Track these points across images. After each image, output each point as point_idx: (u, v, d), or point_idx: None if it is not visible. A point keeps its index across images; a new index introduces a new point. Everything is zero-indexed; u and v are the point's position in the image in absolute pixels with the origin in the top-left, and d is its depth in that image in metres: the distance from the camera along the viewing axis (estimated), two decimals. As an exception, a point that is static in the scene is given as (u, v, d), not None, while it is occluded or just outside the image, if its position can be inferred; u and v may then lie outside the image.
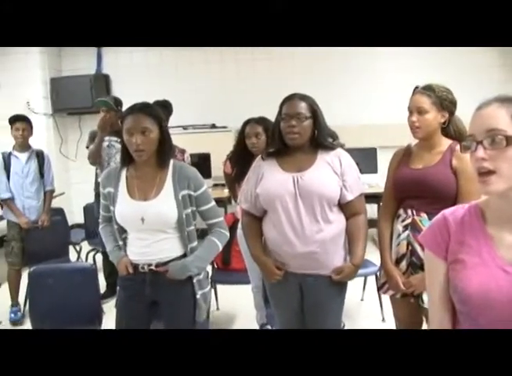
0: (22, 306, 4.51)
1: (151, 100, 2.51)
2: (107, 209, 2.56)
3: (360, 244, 2.51)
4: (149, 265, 2.42)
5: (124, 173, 2.47)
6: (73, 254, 5.18)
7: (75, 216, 6.53)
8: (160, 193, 2.39)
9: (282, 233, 2.46)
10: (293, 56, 6.56)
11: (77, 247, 5.40)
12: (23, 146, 4.52)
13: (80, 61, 7.11)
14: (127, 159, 2.44)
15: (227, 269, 3.99)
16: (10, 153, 4.49)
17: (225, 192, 5.07)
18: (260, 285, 3.54)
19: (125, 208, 2.41)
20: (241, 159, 3.50)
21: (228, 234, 2.59)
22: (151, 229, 2.38)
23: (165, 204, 2.37)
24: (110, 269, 4.43)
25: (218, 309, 4.32)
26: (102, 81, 7.04)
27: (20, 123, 4.45)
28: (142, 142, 2.30)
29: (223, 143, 4.97)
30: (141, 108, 2.37)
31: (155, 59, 6.93)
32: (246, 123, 3.50)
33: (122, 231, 2.49)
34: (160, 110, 2.47)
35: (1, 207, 4.65)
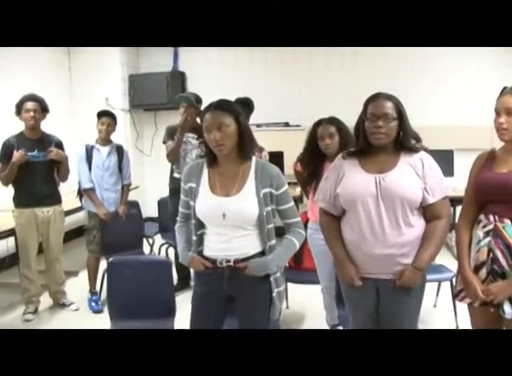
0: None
1: (226, 98, 2.53)
2: (187, 206, 2.59)
3: (429, 248, 2.44)
4: (228, 260, 2.44)
5: (206, 169, 2.51)
6: (145, 247, 5.31)
7: (148, 209, 6.70)
8: (242, 190, 2.42)
9: (361, 234, 2.43)
10: (367, 55, 6.46)
11: (150, 240, 5.55)
12: (105, 140, 4.71)
13: (157, 59, 7.29)
14: (210, 157, 2.48)
15: (299, 268, 4.00)
16: (93, 146, 4.68)
17: (297, 191, 5.06)
18: (330, 286, 3.52)
19: (207, 204, 2.44)
20: (313, 160, 3.48)
21: (304, 234, 2.60)
22: (231, 225, 2.41)
23: (247, 200, 2.39)
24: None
25: (287, 307, 4.33)
26: (178, 79, 7.19)
27: (106, 118, 4.65)
28: (220, 137, 2.34)
29: (296, 142, 4.95)
30: (217, 105, 2.41)
31: (230, 57, 7.00)
32: (318, 124, 3.46)
33: (200, 226, 2.52)
34: (237, 106, 2.50)
35: (81, 199, 4.83)
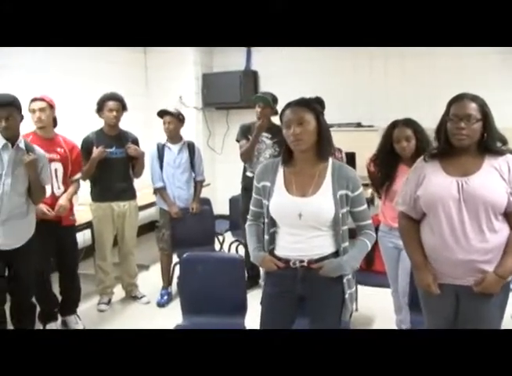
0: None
1: (298, 97, 2.52)
2: (259, 204, 2.60)
3: None
4: (301, 261, 2.43)
5: (281, 168, 2.51)
6: (215, 244, 5.36)
7: (218, 207, 6.76)
8: (318, 191, 2.40)
9: (442, 238, 2.37)
10: (445, 55, 6.23)
11: (220, 238, 5.60)
12: (173, 137, 4.75)
13: (230, 58, 7.33)
14: (286, 155, 2.48)
15: (370, 271, 3.95)
16: (164, 145, 4.75)
17: (369, 192, 4.99)
18: (398, 288, 3.47)
19: (282, 203, 2.44)
20: (387, 162, 3.43)
21: (375, 236, 2.58)
22: (306, 225, 2.40)
23: (324, 201, 2.38)
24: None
25: (357, 310, 4.28)
26: (250, 78, 7.22)
27: (166, 117, 4.69)
28: (300, 132, 2.34)
29: (369, 143, 4.86)
30: (298, 102, 2.43)
31: (303, 56, 6.94)
32: (394, 126, 3.38)
33: (272, 225, 2.52)
34: (316, 104, 2.49)
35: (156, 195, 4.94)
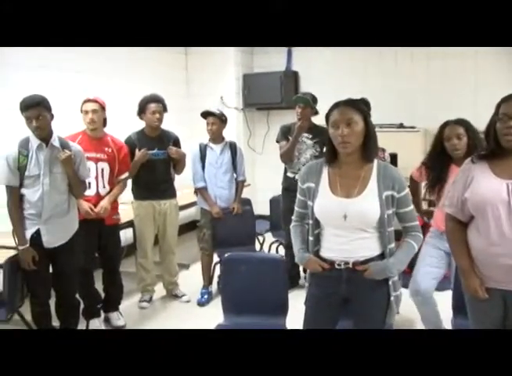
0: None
1: (339, 98, 2.50)
2: (303, 205, 2.59)
3: None
4: (346, 263, 2.41)
5: (326, 169, 2.49)
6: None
7: (258, 207, 6.77)
8: (363, 192, 2.38)
9: (490, 242, 2.31)
10: (491, 55, 6.09)
11: (260, 238, 5.60)
12: (216, 138, 4.77)
13: (271, 58, 7.35)
14: (330, 155, 2.46)
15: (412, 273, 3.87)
16: (206, 145, 4.78)
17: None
18: (426, 291, 3.41)
19: (327, 204, 2.42)
20: (438, 163, 3.38)
21: (422, 237, 2.53)
22: (352, 226, 2.37)
23: (369, 202, 2.36)
24: (293, 262, 4.54)
25: (398, 312, 4.22)
26: (291, 78, 7.21)
27: (209, 117, 4.70)
28: (347, 133, 2.31)
29: (411, 143, 4.80)
30: (346, 102, 2.41)
31: (344, 57, 6.90)
32: (445, 125, 3.36)
33: (317, 226, 2.51)
34: (363, 105, 2.47)
35: (197, 195, 4.97)
